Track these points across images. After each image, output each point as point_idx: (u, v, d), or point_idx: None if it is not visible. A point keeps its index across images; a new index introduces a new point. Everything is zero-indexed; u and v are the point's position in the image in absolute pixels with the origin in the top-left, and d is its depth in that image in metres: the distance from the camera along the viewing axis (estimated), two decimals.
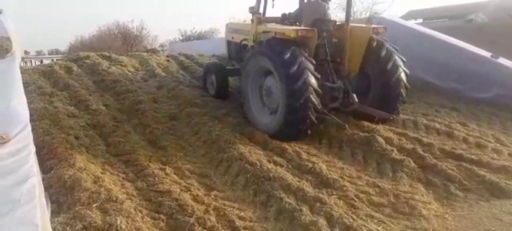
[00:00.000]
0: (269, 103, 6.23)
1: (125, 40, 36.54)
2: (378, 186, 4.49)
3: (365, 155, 5.34)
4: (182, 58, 10.80)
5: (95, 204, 3.43)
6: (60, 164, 4.28)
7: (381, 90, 6.44)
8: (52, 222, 3.05)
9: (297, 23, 7.01)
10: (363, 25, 6.65)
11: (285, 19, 7.22)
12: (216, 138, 5.66)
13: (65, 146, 4.78)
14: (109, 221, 3.17)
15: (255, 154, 5.06)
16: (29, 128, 3.70)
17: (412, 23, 12.43)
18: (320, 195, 4.13)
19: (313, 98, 5.48)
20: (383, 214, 3.97)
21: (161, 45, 36.37)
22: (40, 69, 8.50)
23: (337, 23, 6.59)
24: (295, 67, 5.39)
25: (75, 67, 8.80)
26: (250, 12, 7.25)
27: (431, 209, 4.07)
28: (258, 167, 4.67)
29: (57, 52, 42.91)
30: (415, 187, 4.54)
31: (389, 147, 5.33)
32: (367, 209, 4.04)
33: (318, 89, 5.54)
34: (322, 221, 3.64)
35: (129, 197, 3.81)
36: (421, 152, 5.23)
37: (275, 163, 4.89)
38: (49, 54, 41.91)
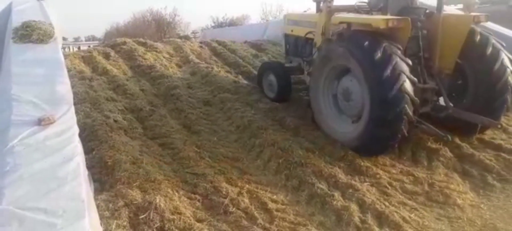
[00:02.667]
0: (347, 109, 5.19)
1: (158, 27, 37.18)
2: (413, 175, 4.47)
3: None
4: (214, 44, 10.91)
5: (135, 183, 3.59)
6: (101, 145, 4.48)
7: (482, 94, 5.18)
8: (95, 199, 3.22)
9: (376, 12, 5.62)
10: (461, 12, 5.56)
11: (359, 8, 5.85)
12: (248, 124, 5.75)
13: (105, 129, 4.99)
14: (148, 199, 3.33)
15: (287, 140, 5.11)
16: (72, 110, 3.88)
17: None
18: (353, 182, 4.15)
19: (408, 109, 4.42)
20: (416, 202, 3.96)
21: (193, 32, 36.74)
22: (80, 55, 8.82)
23: (427, 11, 5.43)
24: (388, 71, 4.34)
25: (112, 53, 9.07)
26: (315, 0, 6.40)
27: (466, 198, 4.01)
28: (290, 152, 4.72)
29: (93, 38, 44.24)
30: (450, 176, 4.48)
31: (425, 136, 5.23)
32: (400, 196, 4.03)
33: (415, 98, 4.47)
34: (354, 207, 3.67)
35: (166, 178, 3.96)
36: (458, 141, 5.12)
37: (307, 149, 4.92)
38: (86, 40, 43.27)
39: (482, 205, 3.96)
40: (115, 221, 3.05)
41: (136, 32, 30.03)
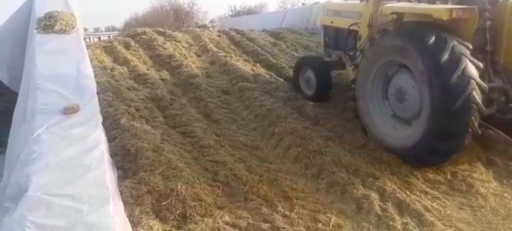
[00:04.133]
0: (401, 111, 4.57)
1: (177, 17, 37.35)
2: None
3: None
4: (233, 33, 10.90)
5: (157, 171, 3.66)
6: (123, 133, 4.56)
7: None
8: (119, 186, 3.29)
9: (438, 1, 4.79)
10: None
11: None
12: (267, 112, 5.75)
13: (127, 117, 5.07)
14: (170, 186, 3.39)
15: (306, 129, 5.09)
16: (96, 99, 3.97)
17: None
18: (373, 170, 4.12)
19: (475, 121, 3.87)
20: (439, 191, 3.92)
21: (211, 21, 36.75)
22: (101, 45, 8.95)
23: None
24: (456, 76, 3.74)
25: (132, 43, 9.17)
26: None
27: (490, 187, 3.94)
28: (309, 141, 4.72)
29: (113, 29, 44.74)
30: (474, 165, 4.40)
31: None
32: (422, 185, 3.99)
33: (483, 84, 3.88)
34: (374, 195, 3.66)
35: (188, 165, 4.02)
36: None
37: (326, 138, 4.90)
38: (105, 31, 43.83)
39: (505, 194, 3.89)
40: (139, 207, 3.12)
41: (154, 22, 30.23)
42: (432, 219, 3.39)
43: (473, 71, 3.83)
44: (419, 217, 3.42)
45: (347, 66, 6.06)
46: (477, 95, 3.82)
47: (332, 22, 6.59)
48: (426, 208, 3.54)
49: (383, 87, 4.76)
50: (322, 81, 6.24)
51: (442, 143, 3.95)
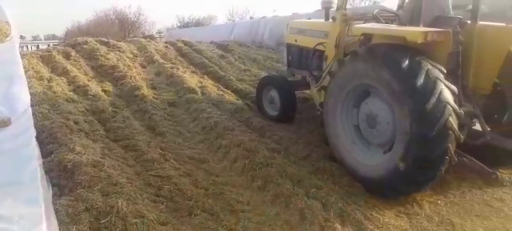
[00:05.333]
0: (372, 137, 4.30)
1: (122, 26, 36.41)
2: None
3: None
4: (180, 44, 10.81)
5: (96, 187, 3.50)
6: (60, 148, 4.33)
7: None
8: (54, 204, 3.11)
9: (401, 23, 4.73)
10: (501, 24, 4.48)
11: (380, 16, 4.89)
12: (214, 125, 5.73)
13: (64, 131, 4.82)
14: (110, 203, 3.25)
15: (252, 141, 5.13)
16: (30, 111, 3.73)
17: None
18: (316, 181, 4.22)
19: (452, 148, 3.68)
20: (378, 200, 4.06)
21: (159, 32, 36.20)
22: (38, 54, 8.49)
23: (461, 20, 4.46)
24: (431, 103, 3.54)
25: (73, 53, 8.80)
26: (324, 7, 5.79)
27: (424, 195, 4.16)
28: (255, 153, 4.75)
29: (53, 37, 42.66)
30: None
31: None
32: (363, 195, 4.12)
33: (458, 109, 3.70)
34: (317, 205, 3.73)
35: (129, 181, 3.88)
36: None
37: (272, 150, 4.96)
38: (45, 39, 41.67)
39: (439, 201, 4.13)
40: (75, 226, 2.96)
41: (98, 31, 29.25)
42: (371, 227, 3.53)
43: (448, 96, 3.66)
44: (359, 226, 3.54)
45: (312, 87, 5.82)
46: (453, 121, 3.63)
47: (296, 40, 6.40)
48: (366, 216, 3.67)
49: (353, 112, 4.49)
50: (286, 101, 6.10)
51: (419, 172, 3.74)
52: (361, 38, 4.64)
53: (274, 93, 6.24)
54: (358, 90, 4.35)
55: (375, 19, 4.86)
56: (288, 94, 6.14)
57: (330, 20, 5.44)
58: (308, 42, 5.95)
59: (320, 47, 5.58)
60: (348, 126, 4.50)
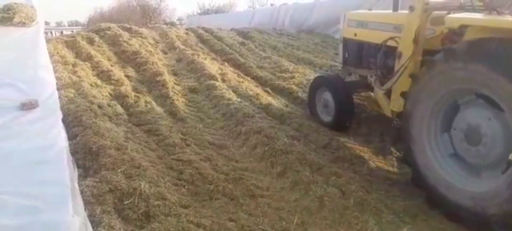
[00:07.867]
0: (474, 156, 3.39)
1: (144, 13, 36.64)
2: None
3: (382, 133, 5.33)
4: (201, 31, 10.86)
5: (120, 169, 3.58)
6: (85, 131, 4.43)
7: None
8: (79, 184, 3.20)
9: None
10: None
11: (464, 6, 4.03)
12: (234, 111, 5.76)
13: (89, 114, 4.93)
14: (133, 185, 3.32)
15: (272, 128, 5.14)
16: (56, 94, 3.85)
17: None
18: (336, 169, 4.21)
19: None
20: (398, 189, 4.03)
21: (179, 19, 36.41)
22: (63, 40, 8.67)
23: None
24: None
25: (97, 38, 8.95)
26: None
27: None
28: (275, 140, 4.76)
29: (76, 23, 43.36)
30: None
31: None
32: (383, 184, 4.10)
33: None
34: (336, 193, 3.73)
35: (152, 164, 3.96)
36: None
37: (292, 137, 4.96)
38: (68, 25, 42.41)
39: None
40: (100, 206, 3.04)
41: (120, 17, 29.51)
42: (392, 216, 3.50)
43: None
44: (379, 215, 3.52)
45: (377, 89, 4.86)
46: None
47: (355, 34, 5.53)
48: (386, 205, 3.65)
49: (447, 126, 3.63)
50: (342, 106, 5.34)
51: None
52: (444, 33, 4.01)
53: (328, 96, 5.50)
54: (457, 96, 3.51)
55: (458, 8, 4.02)
56: (345, 97, 5.37)
57: (402, 11, 4.67)
58: (373, 36, 5.07)
59: (391, 43, 4.62)
60: (439, 144, 3.67)
